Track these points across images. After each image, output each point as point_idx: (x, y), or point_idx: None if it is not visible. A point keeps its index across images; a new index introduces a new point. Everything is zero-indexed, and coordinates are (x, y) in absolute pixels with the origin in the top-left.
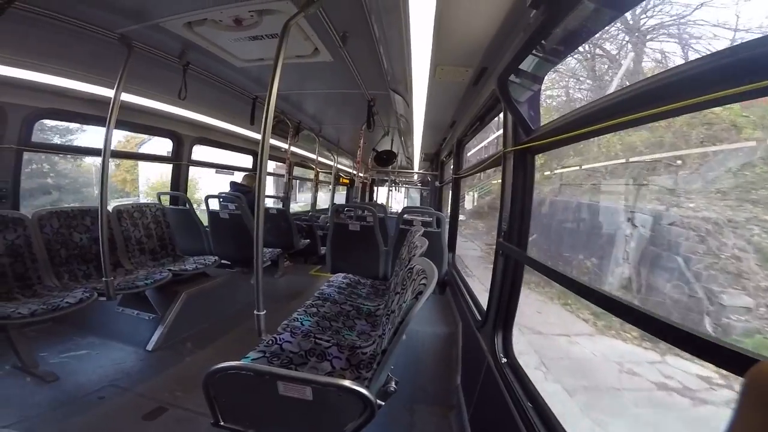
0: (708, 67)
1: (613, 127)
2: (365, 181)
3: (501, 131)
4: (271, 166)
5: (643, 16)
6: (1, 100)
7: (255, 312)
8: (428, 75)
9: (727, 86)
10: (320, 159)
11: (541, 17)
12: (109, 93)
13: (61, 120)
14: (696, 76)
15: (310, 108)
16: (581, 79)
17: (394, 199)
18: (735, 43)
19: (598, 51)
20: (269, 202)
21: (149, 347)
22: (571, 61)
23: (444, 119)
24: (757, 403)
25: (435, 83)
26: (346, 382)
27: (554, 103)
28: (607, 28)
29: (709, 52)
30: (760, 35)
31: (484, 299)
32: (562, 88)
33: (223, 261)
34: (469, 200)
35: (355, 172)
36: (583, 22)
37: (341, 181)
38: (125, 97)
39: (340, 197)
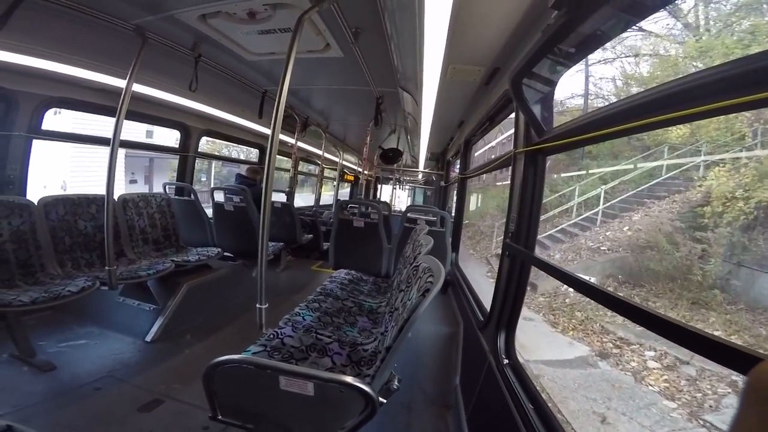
0: (723, 75)
1: (629, 131)
2: (370, 178)
3: (492, 143)
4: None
5: None
6: (13, 87)
7: (257, 305)
8: (440, 73)
9: (744, 93)
10: (326, 155)
11: (562, 18)
12: (120, 83)
13: (72, 109)
14: (714, 82)
15: (318, 103)
16: None
17: (397, 198)
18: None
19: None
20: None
21: (148, 338)
22: None
23: (452, 118)
24: (760, 401)
25: (446, 82)
26: (349, 379)
27: None
28: (623, 34)
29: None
30: None
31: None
32: None
33: (225, 253)
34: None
35: (360, 169)
36: (601, 25)
37: (346, 177)
38: (137, 87)
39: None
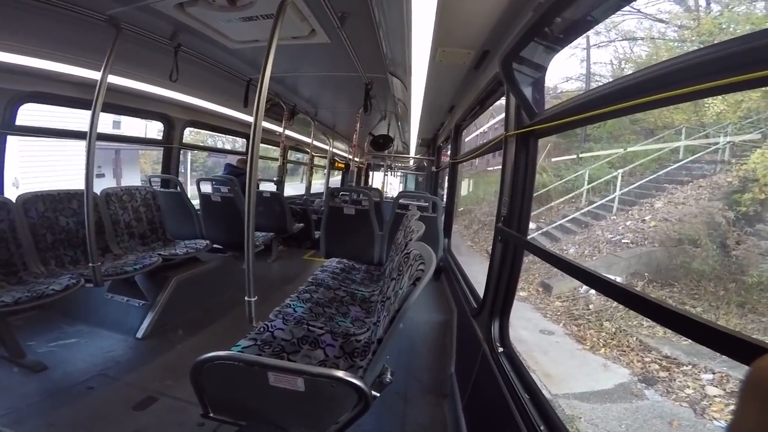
0: (715, 56)
1: (620, 111)
2: (361, 165)
3: (484, 127)
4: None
5: None
6: None
7: (246, 298)
8: (428, 57)
9: (735, 74)
10: (315, 143)
11: None
12: (96, 76)
13: (46, 103)
14: (702, 64)
15: (305, 91)
16: None
17: (389, 184)
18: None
19: None
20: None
21: (139, 335)
22: None
23: (442, 103)
24: (761, 396)
25: (435, 66)
26: (340, 373)
27: None
28: (614, 16)
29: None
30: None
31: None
32: None
33: (215, 245)
34: None
35: (350, 157)
36: (592, 6)
37: (336, 165)
38: (115, 80)
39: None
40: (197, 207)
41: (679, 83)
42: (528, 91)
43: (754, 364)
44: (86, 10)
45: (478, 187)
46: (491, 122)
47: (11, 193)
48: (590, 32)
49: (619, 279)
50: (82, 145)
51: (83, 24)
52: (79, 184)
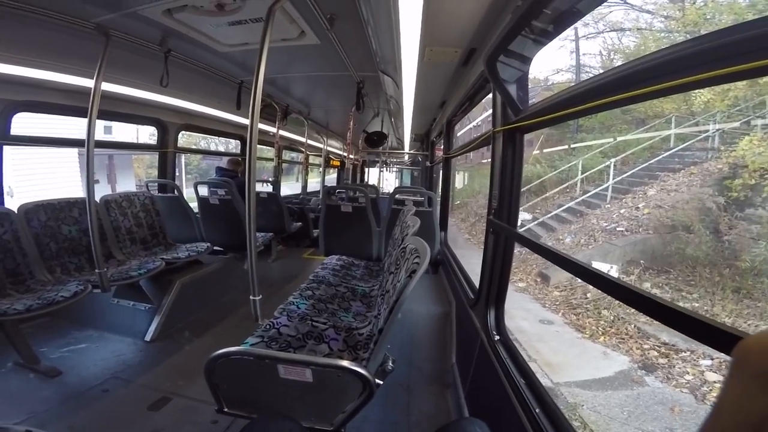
0: (689, 51)
1: (601, 107)
2: (356, 162)
3: (477, 120)
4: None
5: None
6: None
7: (251, 297)
8: (417, 56)
9: (721, 65)
10: (309, 142)
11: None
12: (88, 83)
13: (39, 112)
14: (676, 60)
15: (297, 91)
16: None
17: (385, 180)
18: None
19: None
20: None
21: (147, 338)
22: None
23: (434, 100)
24: (743, 374)
25: (424, 64)
26: (345, 363)
27: None
28: (598, 8)
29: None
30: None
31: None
32: None
33: (215, 247)
34: None
35: (345, 154)
36: (574, 2)
37: (332, 163)
38: (107, 86)
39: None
40: (196, 210)
41: (662, 76)
42: (512, 88)
43: (740, 342)
44: (74, 19)
45: (474, 180)
46: (483, 115)
47: (7, 203)
48: (578, 24)
49: (615, 267)
50: (72, 152)
51: (73, 32)
52: (71, 192)
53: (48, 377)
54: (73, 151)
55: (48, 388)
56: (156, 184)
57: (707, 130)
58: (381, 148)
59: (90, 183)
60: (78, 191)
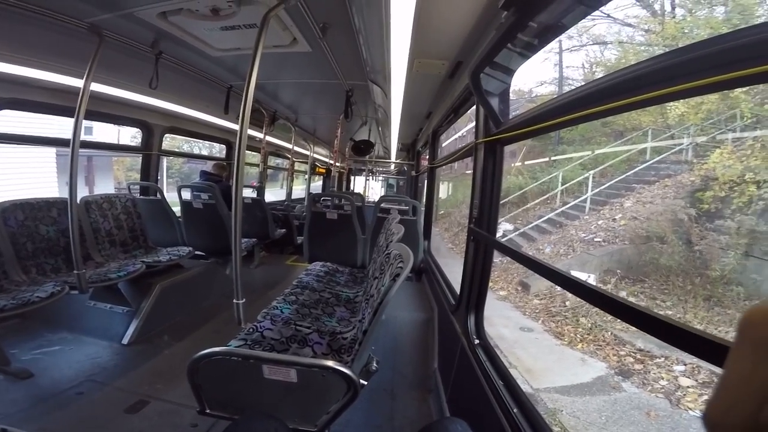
0: (666, 64)
1: (579, 119)
2: (342, 170)
3: (462, 130)
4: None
5: None
6: None
7: (234, 301)
8: (406, 67)
9: (687, 80)
10: (296, 148)
11: (512, 18)
12: (76, 82)
13: (24, 110)
14: (653, 72)
15: (286, 97)
16: None
17: (371, 188)
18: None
19: None
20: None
21: (125, 341)
22: None
23: (420, 110)
24: (749, 345)
25: (413, 75)
26: (330, 363)
27: None
28: (582, 22)
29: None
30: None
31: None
32: None
33: (197, 252)
34: None
35: (332, 162)
36: (556, 18)
37: (318, 170)
38: (94, 86)
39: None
40: (178, 214)
41: (640, 88)
42: (495, 101)
43: (744, 313)
44: (68, 18)
45: (457, 191)
46: (469, 126)
47: None
48: (563, 36)
49: (593, 276)
50: (50, 152)
51: (65, 31)
52: (46, 192)
53: (19, 379)
54: (51, 151)
55: (18, 390)
56: (138, 186)
57: (682, 143)
58: (368, 156)
59: (73, 183)
60: (53, 192)
